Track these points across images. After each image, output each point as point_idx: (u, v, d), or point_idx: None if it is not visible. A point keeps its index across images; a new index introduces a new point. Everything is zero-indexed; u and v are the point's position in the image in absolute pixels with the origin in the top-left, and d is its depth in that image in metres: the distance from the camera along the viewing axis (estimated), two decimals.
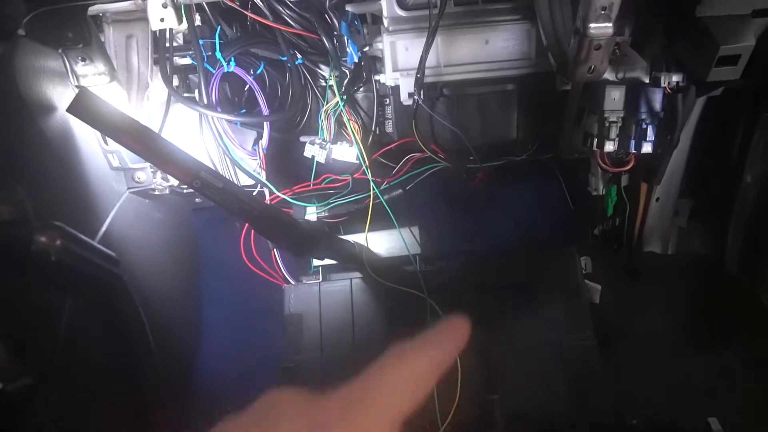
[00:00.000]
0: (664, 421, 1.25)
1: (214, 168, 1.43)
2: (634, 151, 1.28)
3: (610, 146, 1.26)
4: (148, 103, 1.22)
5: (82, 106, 0.95)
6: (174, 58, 1.37)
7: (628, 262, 1.60)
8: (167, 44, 1.24)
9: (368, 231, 1.44)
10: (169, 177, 1.31)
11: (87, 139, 1.10)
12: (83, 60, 1.00)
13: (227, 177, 1.45)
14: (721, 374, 1.38)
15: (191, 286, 1.61)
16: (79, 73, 1.02)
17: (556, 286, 1.29)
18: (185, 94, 1.42)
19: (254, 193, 1.49)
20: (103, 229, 1.08)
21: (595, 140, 1.29)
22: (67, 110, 0.96)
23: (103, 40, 1.10)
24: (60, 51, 0.99)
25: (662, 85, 1.19)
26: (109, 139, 1.17)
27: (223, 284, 1.71)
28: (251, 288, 1.58)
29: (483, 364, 1.25)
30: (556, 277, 1.31)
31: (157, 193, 1.30)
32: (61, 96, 1.00)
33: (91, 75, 1.02)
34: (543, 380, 1.21)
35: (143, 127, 0.98)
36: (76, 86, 1.05)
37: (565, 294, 1.28)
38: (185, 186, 1.45)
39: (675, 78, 1.17)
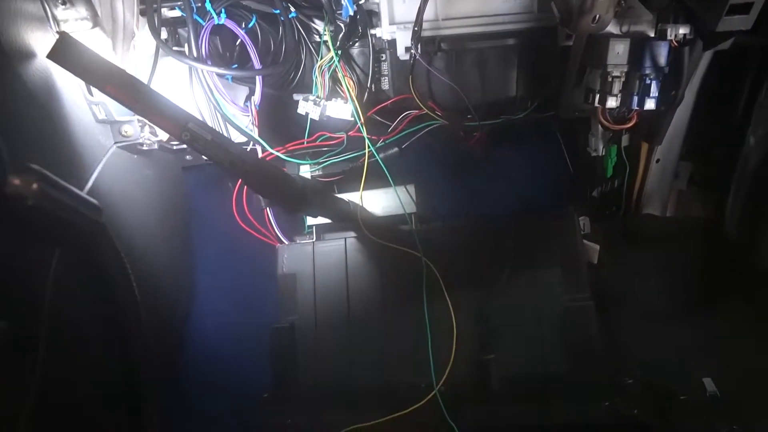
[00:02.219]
0: (659, 382, 1.25)
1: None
2: (636, 108, 1.25)
3: (612, 102, 1.23)
4: (135, 53, 1.17)
5: (63, 53, 0.90)
6: (162, 9, 1.33)
7: (626, 225, 1.58)
8: None
9: (363, 189, 1.41)
10: (157, 131, 1.27)
11: (70, 89, 1.05)
12: (63, 3, 0.95)
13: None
14: (717, 337, 1.37)
15: (183, 245, 1.59)
16: (60, 17, 0.97)
17: (554, 246, 1.27)
18: (175, 48, 1.38)
19: (247, 150, 1.46)
20: (90, 184, 1.04)
21: (597, 96, 1.25)
22: (48, 56, 0.91)
23: None
24: None
25: (668, 37, 1.15)
26: (94, 90, 1.12)
27: (216, 244, 1.69)
28: (244, 248, 1.55)
29: (479, 325, 1.24)
30: (553, 237, 1.28)
31: (145, 148, 1.25)
32: (40, 42, 0.95)
33: (73, 20, 0.97)
34: (539, 340, 1.20)
35: (129, 75, 0.94)
36: (57, 32, 0.99)
37: (562, 254, 1.26)
38: (175, 141, 1.41)
39: (682, 30, 1.13)
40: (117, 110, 1.17)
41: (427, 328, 1.22)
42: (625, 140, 1.57)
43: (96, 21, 0.97)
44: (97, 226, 0.69)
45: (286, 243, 1.48)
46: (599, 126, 1.50)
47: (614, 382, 1.19)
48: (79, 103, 1.09)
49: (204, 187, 1.69)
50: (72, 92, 1.07)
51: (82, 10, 0.95)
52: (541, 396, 1.16)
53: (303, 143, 1.51)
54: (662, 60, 1.19)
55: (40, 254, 0.76)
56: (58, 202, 0.62)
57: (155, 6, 1.24)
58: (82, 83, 1.10)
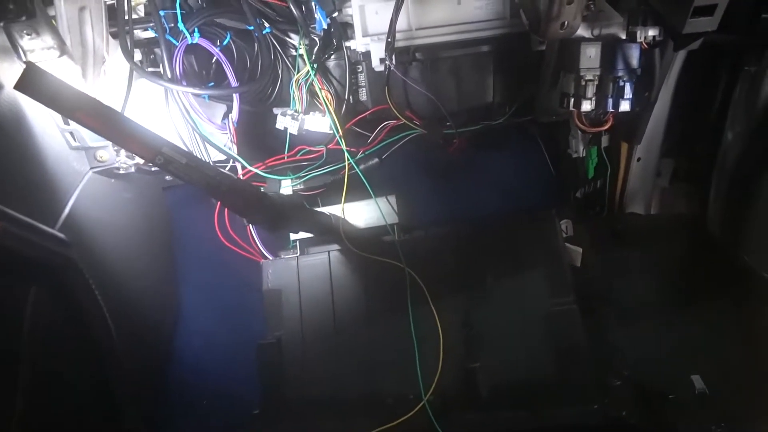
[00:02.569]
0: (647, 381, 1.25)
1: (183, 144, 1.39)
2: (611, 110, 1.25)
3: (587, 106, 1.23)
4: (106, 78, 1.16)
5: (30, 83, 0.90)
6: (135, 31, 1.32)
7: (610, 225, 1.58)
8: (126, 16, 1.18)
9: (344, 202, 1.41)
10: (134, 155, 1.27)
11: (41, 118, 1.05)
12: (29, 34, 0.94)
13: (197, 153, 1.41)
14: (704, 333, 1.37)
15: (167, 266, 1.58)
16: (26, 47, 0.96)
17: (537, 251, 1.28)
18: (150, 69, 1.37)
19: (226, 169, 1.45)
20: (66, 210, 1.04)
21: (572, 100, 1.26)
22: (15, 87, 0.91)
23: (53, 14, 1.04)
24: (1, 24, 0.93)
25: (639, 40, 1.16)
26: (66, 118, 1.12)
27: (200, 262, 1.68)
28: (228, 265, 1.55)
29: (464, 333, 1.24)
30: (535, 242, 1.29)
31: (122, 171, 1.25)
32: (7, 73, 0.95)
33: (39, 49, 0.96)
34: (525, 346, 1.20)
35: (98, 102, 0.94)
36: (24, 62, 0.99)
37: (545, 258, 1.26)
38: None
39: (651, 32, 1.14)
40: (90, 136, 1.17)
41: (413, 338, 1.22)
42: (605, 141, 1.57)
43: (63, 49, 0.97)
44: (66, 260, 0.68)
45: (270, 258, 1.48)
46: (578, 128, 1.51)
47: (602, 384, 1.19)
48: (51, 131, 1.09)
49: (185, 206, 1.69)
50: (43, 121, 1.07)
51: (48, 39, 0.95)
52: (529, 401, 1.16)
53: (283, 158, 1.51)
54: (634, 62, 1.19)
55: (15, 291, 0.75)
56: (24, 240, 0.61)
57: (127, 28, 1.23)
58: (53, 112, 1.09)
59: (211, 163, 1.38)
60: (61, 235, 0.63)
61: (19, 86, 0.88)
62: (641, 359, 1.31)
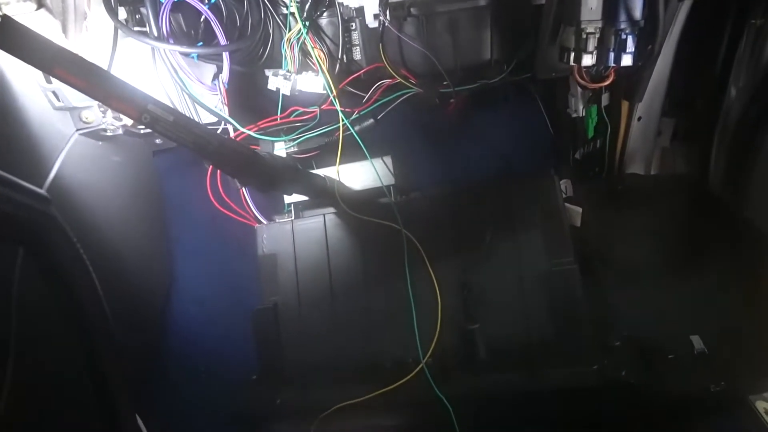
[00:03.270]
0: (647, 341, 1.23)
1: (171, 105, 1.35)
2: (613, 65, 1.21)
3: (588, 60, 1.19)
4: (88, 34, 1.12)
5: (5, 37, 0.86)
6: None
7: (610, 185, 1.55)
8: None
9: (339, 163, 1.38)
10: (121, 116, 1.23)
11: (21, 76, 1.01)
12: None
13: (187, 115, 1.37)
14: (704, 293, 1.36)
15: (158, 231, 1.55)
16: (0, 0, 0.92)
17: (535, 211, 1.25)
18: (136, 28, 1.33)
19: (218, 132, 1.42)
20: (52, 174, 1.01)
21: (572, 55, 1.22)
22: None
23: None
24: None
25: None
26: (49, 76, 1.08)
27: (193, 228, 1.65)
28: (222, 230, 1.52)
29: (462, 295, 1.22)
30: (534, 202, 1.26)
31: (109, 133, 1.21)
32: None
33: (15, 2, 0.92)
34: (523, 307, 1.18)
35: (79, 57, 0.89)
36: None
37: (544, 218, 1.23)
38: (141, 126, 1.37)
39: None
40: (75, 96, 1.13)
41: (411, 301, 1.20)
42: (605, 99, 1.53)
43: (40, 2, 0.92)
44: (45, 217, 0.65)
45: (265, 223, 1.45)
46: (578, 86, 1.47)
47: (602, 344, 1.18)
48: (33, 91, 1.05)
49: (177, 171, 1.65)
50: (23, 80, 1.03)
51: None
52: (528, 363, 1.15)
53: (276, 120, 1.47)
54: (637, 13, 1.15)
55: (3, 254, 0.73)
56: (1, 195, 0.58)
57: None
58: (35, 70, 1.05)
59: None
60: (41, 191, 0.60)
61: None
62: (641, 320, 1.30)
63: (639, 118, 1.56)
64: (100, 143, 1.23)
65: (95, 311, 0.73)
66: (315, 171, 1.34)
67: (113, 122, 1.20)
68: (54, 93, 1.08)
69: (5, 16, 0.94)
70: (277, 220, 1.44)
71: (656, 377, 1.17)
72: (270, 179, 1.11)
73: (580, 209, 1.30)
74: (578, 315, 1.16)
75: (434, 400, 1.14)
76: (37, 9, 0.93)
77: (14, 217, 0.58)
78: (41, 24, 0.98)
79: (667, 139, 1.64)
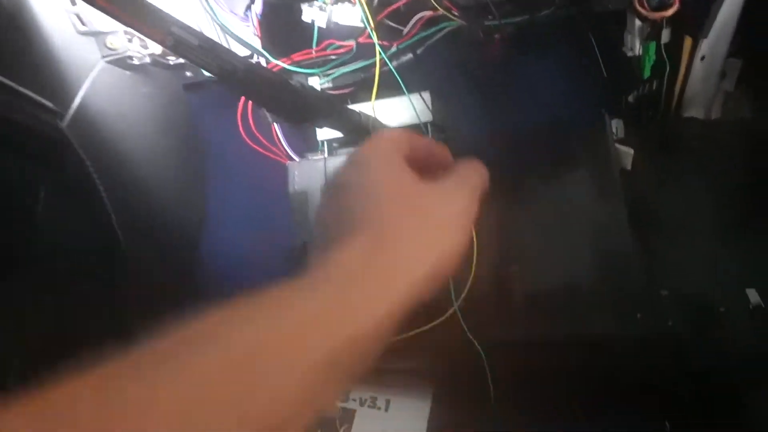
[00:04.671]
0: (697, 293, 1.15)
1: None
2: None
3: None
4: None
5: None
6: None
7: (665, 130, 1.44)
8: None
9: (375, 99, 1.32)
10: (148, 43, 1.18)
11: None
12: None
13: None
14: (764, 249, 1.26)
15: (190, 167, 1.53)
16: None
17: (584, 151, 1.16)
18: None
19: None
20: (77, 101, 0.98)
21: None
22: None
23: None
24: None
25: None
26: None
27: (224, 165, 1.63)
28: (254, 168, 1.49)
29: (501, 237, 1.16)
30: (583, 142, 1.17)
31: (136, 62, 1.17)
32: None
33: None
34: (566, 251, 1.11)
35: None
36: None
37: (593, 160, 1.14)
38: (171, 57, 1.33)
39: None
40: (100, 20, 1.08)
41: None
42: (665, 36, 1.40)
43: None
44: (56, 131, 0.62)
45: (297, 160, 1.41)
46: (636, 19, 1.35)
47: (648, 293, 1.10)
48: (56, 13, 1.01)
49: (210, 108, 1.61)
50: (46, 1, 0.99)
51: None
52: (568, 309, 1.08)
53: (311, 53, 1.41)
54: None
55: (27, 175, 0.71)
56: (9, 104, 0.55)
57: None
58: None
59: None
60: (49, 103, 0.57)
61: None
62: (692, 273, 1.21)
63: (702, 58, 1.43)
64: (128, 73, 1.20)
65: (103, 233, 0.71)
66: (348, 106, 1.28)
67: (140, 50, 1.16)
68: (77, 16, 1.05)
69: None
70: (309, 158, 1.40)
71: (705, 330, 1.09)
72: (301, 111, 1.05)
73: (631, 150, 1.20)
74: (624, 262, 1.07)
75: (467, 344, 1.10)
76: None
77: (26, 127, 0.56)
78: None
79: (732, 82, 1.51)
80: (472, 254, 1.13)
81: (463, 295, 1.13)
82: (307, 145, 1.43)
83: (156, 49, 1.21)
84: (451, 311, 1.11)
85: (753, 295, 1.13)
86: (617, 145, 1.18)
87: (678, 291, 1.12)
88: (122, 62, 1.16)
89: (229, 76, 0.93)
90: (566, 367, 1.19)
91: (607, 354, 1.10)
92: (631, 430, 1.27)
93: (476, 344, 1.04)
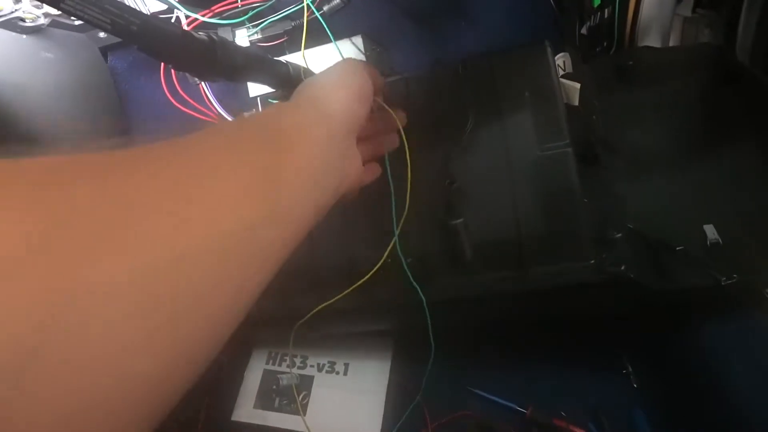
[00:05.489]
0: (654, 233, 1.09)
1: None
2: None
3: None
4: None
5: None
6: None
7: (619, 60, 1.36)
8: None
9: (306, 48, 1.22)
10: (43, 4, 1.07)
11: None
12: None
13: (130, 2, 1.20)
14: (723, 180, 1.20)
15: (116, 134, 1.43)
16: None
17: (525, 88, 1.08)
18: None
19: (172, 21, 1.26)
20: None
21: None
22: None
23: None
24: None
25: None
26: None
27: (154, 131, 1.52)
28: (186, 131, 1.39)
29: (445, 187, 1.09)
30: (524, 77, 1.09)
31: (29, 24, 1.06)
32: None
33: None
34: (512, 197, 1.04)
35: None
36: None
37: (535, 95, 1.06)
38: (74, 18, 1.21)
39: None
40: None
41: (392, 195, 1.06)
42: None
43: None
44: None
45: (230, 119, 1.32)
46: None
47: (600, 237, 1.04)
48: None
49: (135, 71, 1.50)
50: None
51: None
52: (518, 259, 1.03)
53: (236, 3, 1.30)
54: None
55: None
56: None
57: None
58: None
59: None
60: None
61: None
62: (649, 211, 1.15)
63: None
64: (24, 37, 1.08)
65: None
66: (278, 58, 1.18)
67: (32, 10, 1.05)
68: None
69: None
70: (244, 116, 1.31)
71: (662, 271, 1.04)
72: (215, 66, 0.96)
73: (578, 84, 1.12)
74: (572, 205, 1.01)
75: (414, 300, 1.04)
76: None
77: None
78: None
79: (689, 7, 1.42)
80: (414, 207, 1.06)
81: (397, 231, 1.05)
82: (239, 103, 1.34)
83: (52, 9, 1.09)
84: (391, 245, 1.04)
85: (711, 231, 1.08)
86: (563, 80, 1.11)
87: (633, 232, 1.06)
88: (13, 25, 1.04)
89: (125, 32, 0.83)
90: (516, 317, 1.14)
91: (559, 303, 1.05)
92: (590, 371, 1.25)
93: (420, 291, 0.98)
